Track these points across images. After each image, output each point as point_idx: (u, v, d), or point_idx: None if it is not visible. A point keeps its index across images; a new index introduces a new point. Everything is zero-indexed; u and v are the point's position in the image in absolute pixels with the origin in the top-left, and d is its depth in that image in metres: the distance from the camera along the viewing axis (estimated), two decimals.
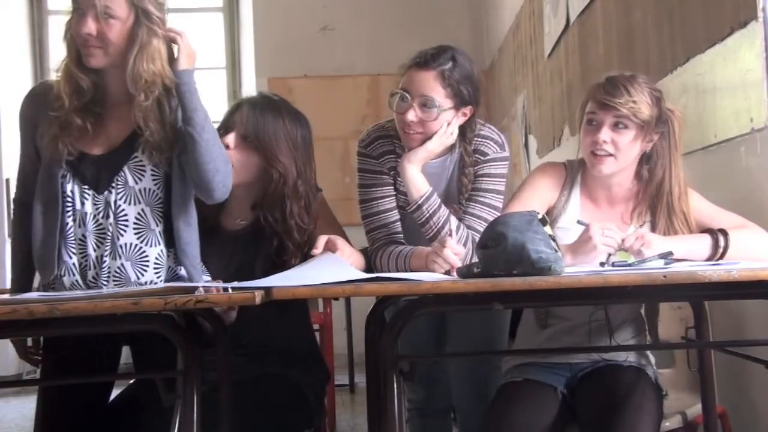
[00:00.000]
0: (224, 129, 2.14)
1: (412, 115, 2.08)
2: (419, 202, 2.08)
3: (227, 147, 2.06)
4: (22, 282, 2.01)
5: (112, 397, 2.08)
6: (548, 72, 4.47)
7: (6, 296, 1.86)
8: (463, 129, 2.16)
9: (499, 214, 2.15)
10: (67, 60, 1.92)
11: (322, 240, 1.97)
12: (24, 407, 4.65)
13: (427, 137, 2.11)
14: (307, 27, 6.31)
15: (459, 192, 2.19)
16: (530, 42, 4.84)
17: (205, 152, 1.87)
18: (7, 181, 5.88)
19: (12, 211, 2.07)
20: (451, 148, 2.18)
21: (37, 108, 1.96)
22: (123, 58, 1.88)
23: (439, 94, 2.07)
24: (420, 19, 6.12)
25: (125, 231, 1.91)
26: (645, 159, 2.05)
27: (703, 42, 2.43)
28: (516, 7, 5.14)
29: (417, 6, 6.31)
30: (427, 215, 2.08)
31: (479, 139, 2.18)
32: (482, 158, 2.17)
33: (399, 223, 2.18)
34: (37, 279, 2.01)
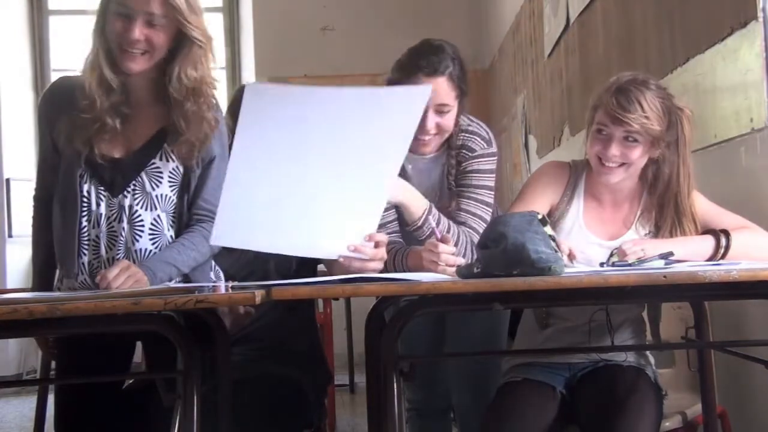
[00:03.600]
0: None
1: (431, 124, 2.08)
2: (423, 217, 2.06)
3: None
4: (42, 280, 2.01)
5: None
6: (548, 72, 4.47)
7: (7, 296, 1.86)
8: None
9: (490, 210, 2.15)
10: (98, 59, 1.87)
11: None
12: (24, 407, 4.65)
13: (442, 137, 2.13)
14: (307, 27, 6.31)
15: (447, 175, 2.19)
16: (530, 42, 4.84)
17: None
18: (8, 181, 5.88)
19: (32, 208, 2.06)
20: (445, 145, 2.19)
21: (56, 104, 1.94)
22: (159, 62, 1.88)
23: (450, 97, 2.09)
24: (420, 20, 6.12)
25: (141, 236, 1.90)
26: (651, 160, 2.05)
27: (703, 42, 2.43)
28: (516, 7, 5.14)
29: (417, 6, 6.31)
30: (431, 229, 2.06)
31: (466, 135, 2.18)
32: (470, 154, 2.17)
33: (396, 222, 2.18)
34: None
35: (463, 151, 2.16)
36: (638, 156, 1.98)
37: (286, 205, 1.74)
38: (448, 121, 2.11)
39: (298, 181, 1.72)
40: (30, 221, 2.05)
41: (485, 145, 2.18)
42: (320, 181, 1.73)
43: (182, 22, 1.83)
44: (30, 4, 6.51)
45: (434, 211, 2.09)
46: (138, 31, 1.82)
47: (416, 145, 2.11)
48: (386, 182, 1.80)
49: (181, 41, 1.87)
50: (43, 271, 2.01)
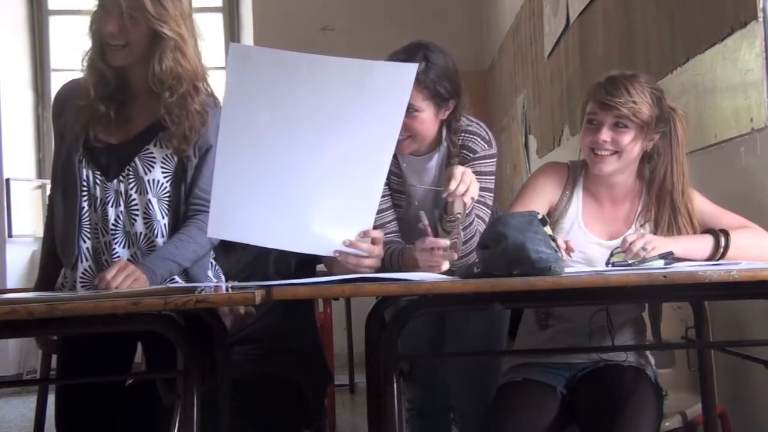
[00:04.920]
0: None
1: None
2: (472, 208, 2.05)
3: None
4: (44, 278, 2.03)
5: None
6: (548, 72, 4.47)
7: (7, 296, 1.86)
8: (448, 121, 2.16)
9: (490, 212, 2.15)
10: (91, 52, 1.95)
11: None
12: (24, 407, 4.64)
13: (415, 140, 2.11)
14: (307, 27, 6.31)
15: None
16: (530, 42, 4.84)
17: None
18: (7, 181, 5.86)
19: (47, 207, 2.09)
20: (438, 143, 2.18)
21: (63, 102, 2.00)
22: (145, 55, 1.91)
23: (416, 98, 2.04)
24: (420, 19, 6.13)
25: (136, 220, 1.93)
26: (647, 158, 2.06)
27: (703, 42, 2.43)
28: (516, 7, 5.14)
29: (417, 6, 6.31)
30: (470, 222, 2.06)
31: (466, 135, 2.17)
32: (471, 155, 2.15)
33: (395, 222, 2.18)
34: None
35: (464, 151, 2.16)
36: (629, 142, 1.99)
37: (279, 191, 1.74)
38: (420, 124, 2.09)
39: (290, 166, 1.72)
40: (30, 220, 2.07)
41: (486, 146, 2.18)
42: (314, 168, 1.73)
43: (148, 17, 1.87)
44: (30, 4, 6.51)
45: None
46: (112, 25, 1.87)
47: None
48: (382, 167, 1.79)
49: (158, 36, 1.90)
50: (46, 268, 2.04)
